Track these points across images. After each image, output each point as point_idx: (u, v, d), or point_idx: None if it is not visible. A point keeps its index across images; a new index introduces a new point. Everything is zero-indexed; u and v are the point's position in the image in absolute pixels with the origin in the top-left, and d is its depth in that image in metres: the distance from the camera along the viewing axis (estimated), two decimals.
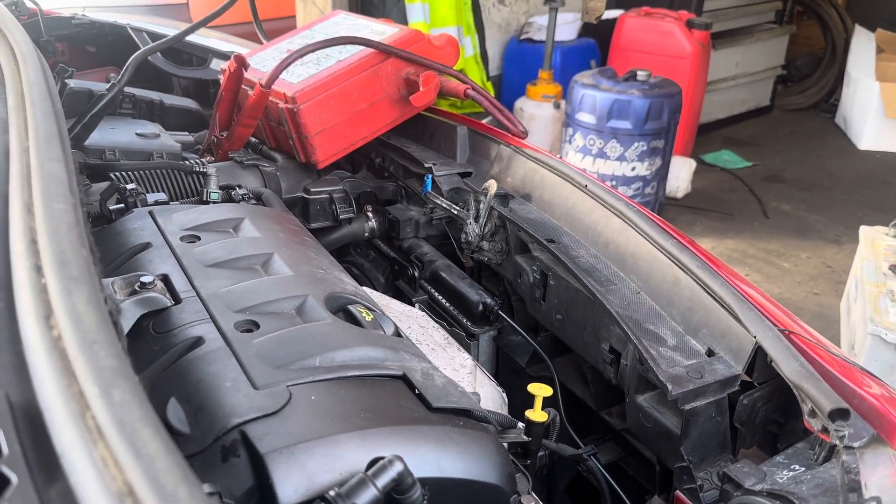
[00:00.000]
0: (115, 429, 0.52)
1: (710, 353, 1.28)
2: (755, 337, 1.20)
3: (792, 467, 1.05)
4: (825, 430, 1.03)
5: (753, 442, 1.30)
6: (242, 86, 2.03)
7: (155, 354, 1.10)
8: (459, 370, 1.51)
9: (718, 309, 1.29)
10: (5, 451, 0.54)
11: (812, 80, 7.55)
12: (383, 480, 0.86)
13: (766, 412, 1.27)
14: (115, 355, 0.58)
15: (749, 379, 1.27)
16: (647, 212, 1.61)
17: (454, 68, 2.19)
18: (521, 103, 5.17)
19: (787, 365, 1.12)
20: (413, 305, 1.84)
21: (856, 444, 1.01)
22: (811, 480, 1.00)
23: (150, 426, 0.53)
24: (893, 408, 1.08)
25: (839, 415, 1.01)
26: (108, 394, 0.55)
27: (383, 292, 1.90)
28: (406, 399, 1.06)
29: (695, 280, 1.35)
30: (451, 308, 1.88)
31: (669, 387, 1.16)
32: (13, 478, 0.52)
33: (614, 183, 4.24)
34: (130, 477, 0.49)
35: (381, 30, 2.20)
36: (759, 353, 1.22)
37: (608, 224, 1.63)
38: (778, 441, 1.30)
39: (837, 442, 1.02)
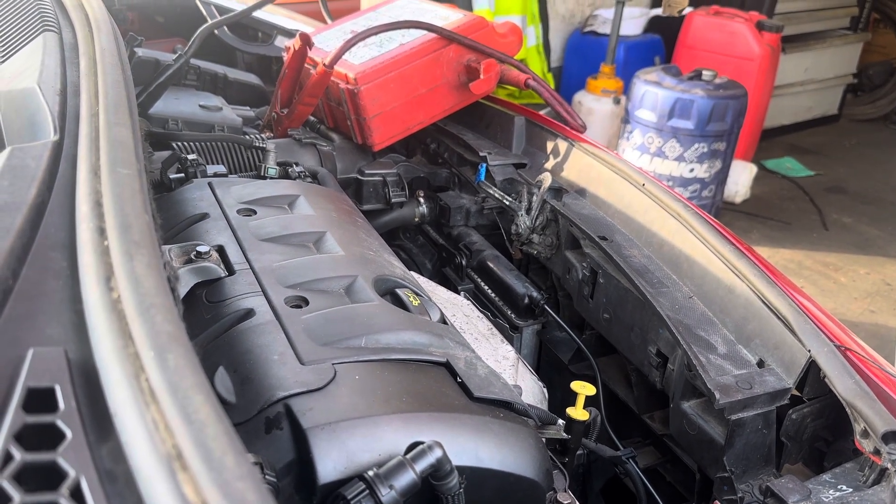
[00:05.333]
0: (167, 393, 0.53)
1: (761, 364, 1.25)
2: (809, 351, 1.16)
3: (839, 487, 1.02)
4: (877, 451, 0.99)
5: (799, 458, 1.27)
6: (305, 64, 2.04)
7: (206, 323, 1.12)
8: (502, 362, 1.51)
9: (773, 319, 1.26)
10: (62, 405, 0.56)
11: (884, 91, 7.28)
12: (422, 465, 0.87)
13: (814, 429, 1.24)
14: (172, 321, 0.59)
15: (799, 394, 1.24)
16: (706, 215, 1.58)
17: (516, 58, 2.17)
18: (580, 97, 5.11)
19: (842, 382, 1.08)
20: (458, 293, 1.84)
21: None
22: (858, 502, 0.97)
23: (202, 392, 0.54)
24: None
25: (893, 437, 0.98)
26: (162, 357, 0.56)
27: (430, 278, 1.91)
28: (448, 386, 1.06)
29: (751, 288, 1.32)
30: (497, 299, 1.87)
31: (717, 395, 1.14)
32: (68, 432, 0.53)
33: (671, 183, 4.16)
34: (180, 440, 0.50)
35: (444, 15, 2.19)
36: (811, 368, 1.18)
37: (664, 225, 1.60)
38: (825, 459, 1.27)
39: (889, 465, 0.99)
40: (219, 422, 0.52)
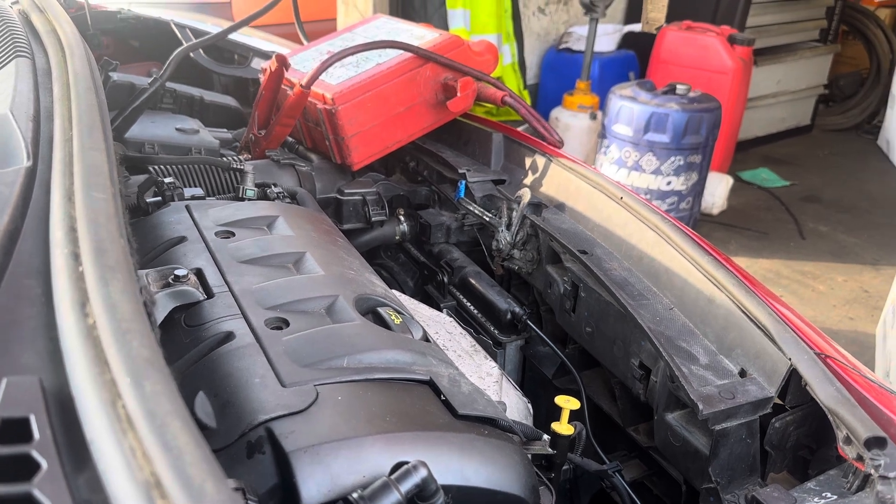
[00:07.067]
0: (144, 419, 0.52)
1: (743, 373, 1.25)
2: (790, 359, 1.17)
3: (824, 495, 1.03)
4: (860, 458, 1.00)
5: (783, 467, 1.27)
6: (282, 85, 2.04)
7: (185, 347, 1.11)
8: (485, 378, 1.50)
9: (753, 329, 1.26)
10: (37, 435, 0.54)
11: (855, 101, 7.41)
12: (407, 486, 0.86)
13: (797, 437, 1.24)
14: (149, 346, 0.59)
15: (781, 402, 1.24)
16: (684, 227, 1.59)
17: (492, 75, 2.18)
18: (556, 113, 5.15)
19: (823, 389, 1.09)
20: (441, 311, 1.83)
21: (892, 475, 0.98)
22: None
23: (180, 419, 0.53)
24: None
25: (876, 443, 0.98)
26: (139, 384, 0.55)
27: (412, 296, 1.90)
28: (432, 405, 1.06)
29: (730, 298, 1.33)
30: (479, 315, 1.87)
31: (700, 406, 1.14)
32: (43, 463, 0.52)
33: (649, 197, 4.20)
34: (158, 468, 0.49)
35: (420, 34, 2.21)
36: (793, 376, 1.19)
37: (643, 237, 1.61)
38: (809, 467, 1.27)
39: (873, 471, 0.99)
40: (198, 448, 0.51)
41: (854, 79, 7.54)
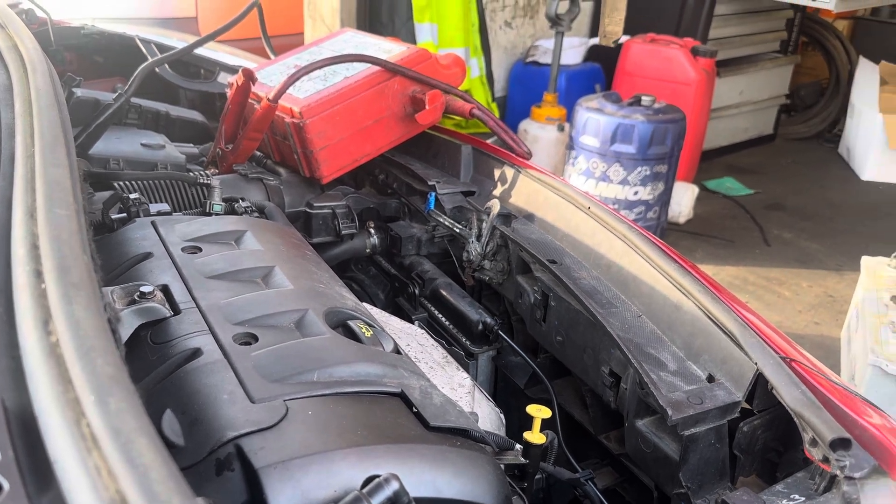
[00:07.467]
0: (109, 437, 0.51)
1: (711, 378, 1.27)
2: (756, 364, 1.19)
3: (792, 497, 1.04)
4: (826, 459, 1.01)
5: (752, 470, 1.29)
6: (249, 99, 2.03)
7: (152, 365, 1.10)
8: (457, 389, 1.50)
9: (720, 335, 1.28)
10: None
11: (816, 111, 7.58)
12: (379, 499, 0.85)
13: (765, 440, 1.26)
14: (113, 363, 0.58)
15: (749, 406, 1.26)
16: (650, 235, 1.61)
17: (460, 88, 2.20)
18: (525, 125, 5.19)
19: (788, 393, 1.11)
20: (412, 323, 1.83)
21: (857, 475, 1.00)
22: None
23: (146, 436, 0.52)
24: (894, 438, 1.07)
25: (840, 444, 1.00)
26: (104, 402, 0.54)
27: (383, 309, 1.90)
28: (403, 417, 1.05)
29: (697, 305, 1.35)
30: (451, 326, 1.87)
31: (669, 412, 1.15)
32: (5, 484, 0.51)
33: (616, 206, 4.24)
34: (124, 486, 0.49)
35: (388, 48, 2.22)
36: (759, 381, 1.21)
37: (611, 246, 1.63)
38: (777, 470, 1.29)
39: (838, 472, 1.01)
40: (164, 465, 0.51)
41: (815, 89, 7.72)
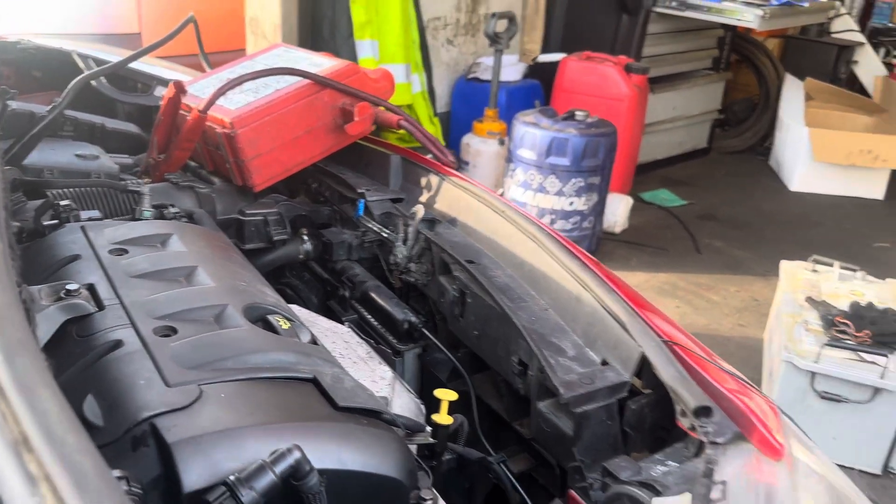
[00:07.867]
0: (14, 389, 0.59)
1: (605, 362, 1.39)
2: (640, 346, 1.30)
3: (666, 463, 1.16)
4: (693, 427, 1.13)
5: (644, 446, 1.40)
6: (181, 111, 2.10)
7: (77, 357, 1.16)
8: (378, 381, 1.58)
9: (612, 322, 1.40)
10: None
11: (748, 125, 7.89)
12: (281, 467, 0.94)
13: (653, 417, 1.38)
14: (22, 328, 0.65)
15: (640, 387, 1.38)
16: (559, 235, 1.73)
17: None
18: (467, 139, 5.33)
19: (666, 371, 1.23)
20: (343, 324, 1.91)
21: (719, 440, 1.12)
22: (679, 473, 1.11)
23: (47, 388, 0.60)
24: (758, 409, 1.19)
25: (703, 412, 1.12)
26: (12, 361, 0.62)
27: (316, 312, 1.97)
28: (314, 399, 1.13)
29: (594, 297, 1.46)
30: (379, 326, 1.95)
31: (562, 390, 1.26)
32: None
33: (553, 217, 4.38)
34: (26, 428, 0.56)
35: (318, 62, 2.31)
36: (646, 363, 1.33)
37: (524, 247, 1.74)
38: (666, 446, 1.41)
39: (703, 437, 1.13)
40: (61, 410, 0.58)
41: (746, 104, 8.03)
